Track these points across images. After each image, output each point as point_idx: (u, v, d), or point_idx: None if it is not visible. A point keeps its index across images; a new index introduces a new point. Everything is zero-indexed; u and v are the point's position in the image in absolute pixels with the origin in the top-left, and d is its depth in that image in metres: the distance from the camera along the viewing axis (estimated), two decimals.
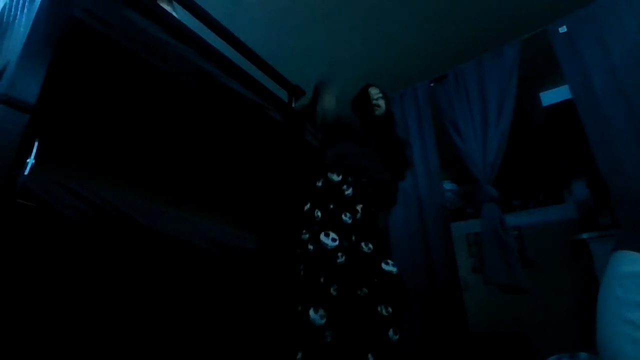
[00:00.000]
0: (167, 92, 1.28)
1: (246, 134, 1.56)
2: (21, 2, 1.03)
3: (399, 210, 2.30)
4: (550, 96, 3.03)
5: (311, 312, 1.18)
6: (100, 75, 1.18)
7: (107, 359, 0.91)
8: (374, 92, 1.78)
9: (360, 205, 1.47)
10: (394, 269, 1.42)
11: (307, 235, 1.40)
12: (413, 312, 2.07)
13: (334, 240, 1.33)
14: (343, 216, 1.40)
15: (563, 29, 2.03)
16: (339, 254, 1.32)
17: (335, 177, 1.49)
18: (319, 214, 1.41)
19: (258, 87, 1.57)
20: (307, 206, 1.49)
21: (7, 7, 1.15)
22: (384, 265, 1.41)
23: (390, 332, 1.30)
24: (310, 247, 1.32)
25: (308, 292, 1.24)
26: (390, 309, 1.33)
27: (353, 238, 1.39)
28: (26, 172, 0.81)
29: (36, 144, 0.87)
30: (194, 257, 1.15)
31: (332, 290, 1.25)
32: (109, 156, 1.52)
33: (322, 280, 1.25)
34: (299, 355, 1.14)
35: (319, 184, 1.51)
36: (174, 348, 1.06)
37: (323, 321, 1.19)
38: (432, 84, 2.55)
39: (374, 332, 1.30)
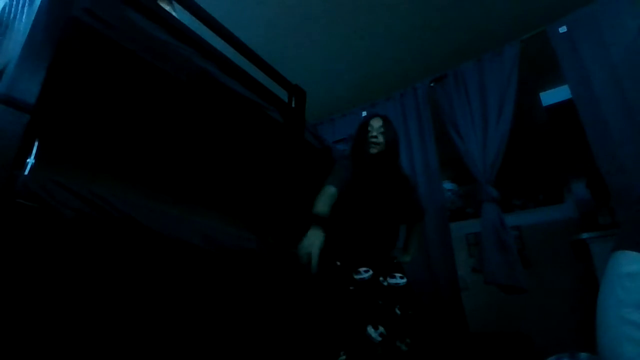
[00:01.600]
0: (167, 92, 1.27)
1: (246, 133, 1.56)
2: (21, 2, 1.03)
3: None
4: (550, 96, 3.03)
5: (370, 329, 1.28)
6: (100, 75, 1.18)
7: (107, 359, 0.91)
8: (375, 124, 1.61)
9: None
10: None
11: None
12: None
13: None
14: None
15: (563, 29, 2.03)
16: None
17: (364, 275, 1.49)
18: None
19: (258, 87, 1.57)
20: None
21: (7, 7, 1.15)
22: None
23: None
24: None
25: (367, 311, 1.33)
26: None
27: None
28: (26, 172, 0.81)
29: (36, 144, 0.87)
30: (194, 258, 1.15)
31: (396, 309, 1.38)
32: (110, 156, 1.52)
33: (380, 302, 1.36)
34: None
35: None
36: (175, 348, 1.06)
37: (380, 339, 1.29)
38: (432, 84, 2.55)
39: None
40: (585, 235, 2.53)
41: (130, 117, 1.39)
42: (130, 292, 0.99)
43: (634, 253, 0.70)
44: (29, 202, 0.79)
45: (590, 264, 2.46)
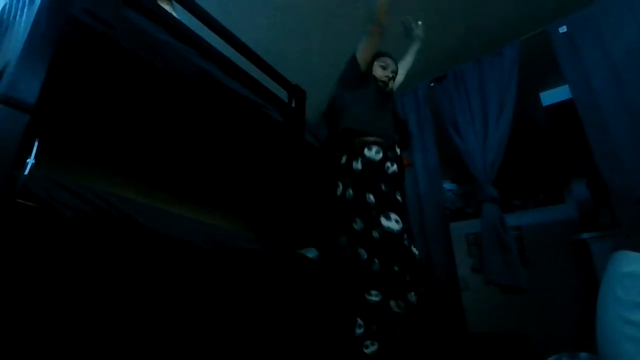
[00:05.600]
0: (167, 92, 1.27)
1: (246, 133, 1.56)
2: (21, 2, 1.03)
3: None
4: (550, 96, 3.03)
5: (392, 304, 1.20)
6: (101, 75, 1.18)
7: (107, 359, 0.91)
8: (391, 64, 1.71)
9: (403, 182, 1.47)
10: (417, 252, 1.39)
11: (361, 224, 1.33)
12: None
13: (397, 222, 1.27)
14: (397, 196, 1.35)
15: (563, 29, 2.03)
16: (405, 236, 1.28)
17: (375, 155, 1.42)
18: (372, 198, 1.34)
19: (258, 87, 1.57)
20: (349, 191, 1.41)
21: (7, 7, 1.15)
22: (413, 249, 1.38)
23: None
24: (376, 234, 1.27)
25: (387, 283, 1.22)
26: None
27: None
28: (26, 172, 0.81)
29: (36, 144, 0.87)
30: (195, 258, 1.15)
31: (407, 277, 1.25)
32: (110, 156, 1.52)
33: (396, 269, 1.23)
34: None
35: (358, 165, 1.43)
36: (175, 349, 1.06)
37: (401, 311, 1.22)
38: (432, 84, 2.55)
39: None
40: (585, 235, 2.53)
41: (130, 117, 1.39)
42: (131, 293, 0.99)
43: (634, 253, 0.70)
44: (29, 202, 0.79)
45: (590, 264, 2.46)
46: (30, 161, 0.83)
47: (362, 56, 1.60)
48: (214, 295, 1.20)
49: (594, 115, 1.83)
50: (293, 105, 1.81)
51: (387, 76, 1.70)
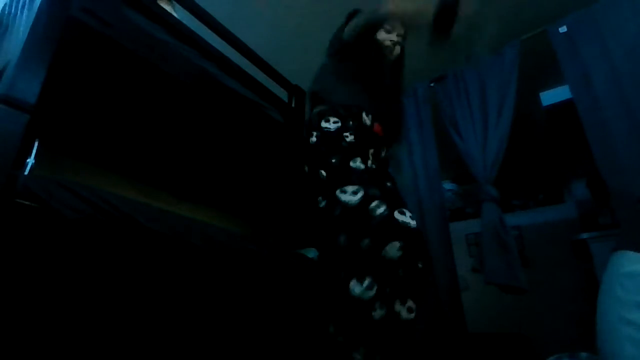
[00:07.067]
0: (167, 92, 1.28)
1: (246, 133, 1.56)
2: (21, 2, 1.03)
3: None
4: (550, 96, 3.03)
5: (353, 284, 1.00)
6: (101, 75, 1.18)
7: (107, 359, 0.91)
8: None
9: (371, 150, 1.30)
10: (411, 222, 1.09)
11: (324, 202, 1.18)
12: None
13: (354, 193, 1.11)
14: (352, 163, 1.19)
15: (563, 29, 2.03)
16: (373, 204, 1.08)
17: (332, 125, 1.26)
18: (324, 172, 1.21)
19: (258, 87, 1.57)
20: (306, 168, 1.29)
21: (7, 7, 1.15)
22: (397, 215, 1.09)
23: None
24: (337, 210, 1.11)
25: (353, 262, 1.04)
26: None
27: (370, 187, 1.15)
28: (26, 172, 0.81)
29: (36, 144, 0.87)
30: (194, 258, 1.15)
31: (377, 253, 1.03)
32: (110, 156, 1.52)
33: (364, 244, 1.05)
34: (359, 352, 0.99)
35: (313, 138, 1.29)
36: (175, 348, 1.06)
37: (372, 293, 1.01)
38: (432, 84, 2.55)
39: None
40: (585, 235, 2.53)
41: (130, 117, 1.40)
42: (131, 292, 0.99)
43: (634, 253, 0.70)
44: (29, 202, 0.79)
45: (590, 264, 2.46)
46: (30, 161, 0.83)
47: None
48: (214, 294, 1.20)
49: (594, 115, 1.83)
50: (293, 105, 1.81)
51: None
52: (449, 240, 2.23)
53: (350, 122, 1.29)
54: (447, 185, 4.43)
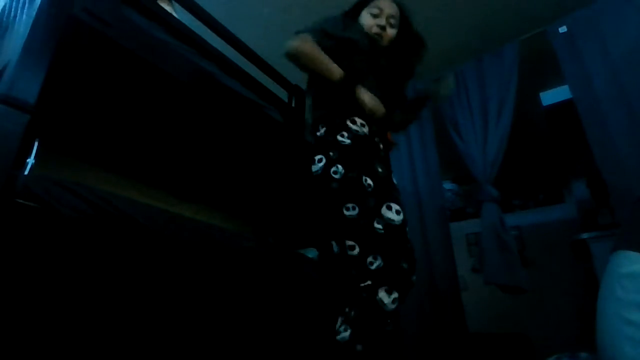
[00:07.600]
0: (167, 92, 1.27)
1: (246, 133, 1.56)
2: (21, 2, 1.03)
3: None
4: (550, 96, 3.03)
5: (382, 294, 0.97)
6: (101, 75, 1.18)
7: (107, 359, 0.91)
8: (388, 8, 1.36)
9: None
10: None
11: (355, 211, 1.04)
12: (411, 312, 2.08)
13: (398, 212, 1.05)
14: (394, 179, 1.15)
15: (563, 29, 2.03)
16: (407, 229, 1.08)
17: (359, 128, 1.14)
18: (370, 182, 1.07)
19: (258, 87, 1.57)
20: (340, 170, 1.09)
21: (7, 7, 1.15)
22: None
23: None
24: (379, 226, 1.03)
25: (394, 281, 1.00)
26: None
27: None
28: (26, 172, 0.81)
29: (36, 144, 0.87)
30: (194, 257, 1.15)
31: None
32: (110, 156, 1.52)
33: (405, 266, 1.02)
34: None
35: (345, 140, 1.12)
36: (175, 348, 1.06)
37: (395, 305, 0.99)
38: None
39: None
40: (585, 235, 2.53)
41: (130, 117, 1.39)
42: (131, 292, 0.99)
43: (634, 253, 0.70)
44: (29, 202, 0.79)
45: (590, 264, 2.46)
46: (30, 161, 0.83)
47: None
48: (214, 294, 1.20)
49: (594, 115, 1.83)
50: (293, 105, 1.81)
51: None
52: (449, 241, 2.23)
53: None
54: (447, 185, 4.43)
